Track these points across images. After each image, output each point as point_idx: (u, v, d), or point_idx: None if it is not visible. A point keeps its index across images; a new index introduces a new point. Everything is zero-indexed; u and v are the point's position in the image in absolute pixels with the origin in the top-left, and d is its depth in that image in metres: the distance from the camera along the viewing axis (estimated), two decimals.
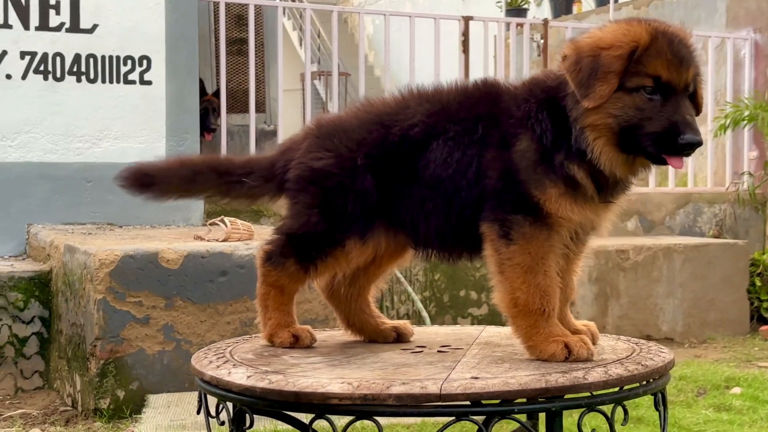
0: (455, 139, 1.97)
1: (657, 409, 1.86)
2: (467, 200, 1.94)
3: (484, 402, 1.57)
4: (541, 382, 1.61)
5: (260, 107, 7.22)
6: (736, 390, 5.31)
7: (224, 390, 1.72)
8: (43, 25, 6.00)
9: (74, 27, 6.07)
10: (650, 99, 1.87)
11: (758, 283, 7.39)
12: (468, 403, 1.57)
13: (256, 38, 6.92)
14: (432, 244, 2.07)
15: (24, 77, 5.96)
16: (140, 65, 6.19)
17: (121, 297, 4.80)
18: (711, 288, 7.05)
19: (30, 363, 5.29)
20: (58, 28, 6.03)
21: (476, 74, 8.06)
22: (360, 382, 1.61)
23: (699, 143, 1.86)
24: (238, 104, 6.78)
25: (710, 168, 8.10)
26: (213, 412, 1.85)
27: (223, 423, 1.78)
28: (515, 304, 1.88)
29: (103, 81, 6.13)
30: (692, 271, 6.98)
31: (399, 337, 2.15)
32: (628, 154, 1.90)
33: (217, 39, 6.84)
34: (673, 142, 1.85)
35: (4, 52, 5.91)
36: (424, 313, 5.36)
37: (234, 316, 4.99)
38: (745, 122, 7.39)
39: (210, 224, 5.36)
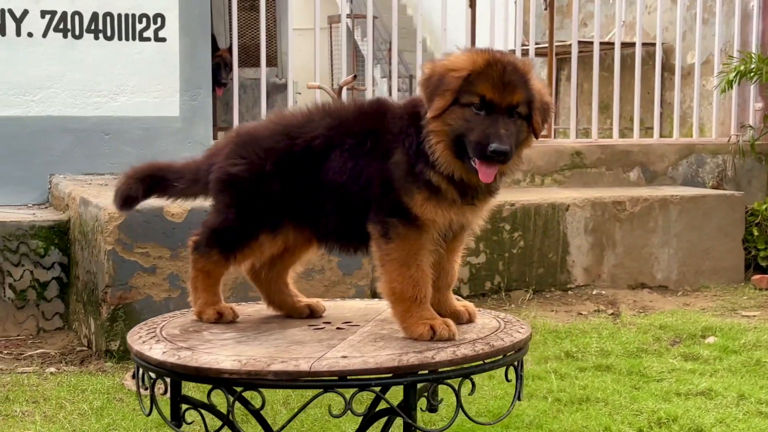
0: (350, 150, 2.29)
1: (507, 380, 2.19)
2: (359, 203, 2.26)
3: (348, 378, 1.92)
4: (395, 361, 1.94)
5: (272, 61, 7.51)
6: (711, 339, 5.58)
7: (145, 362, 2.08)
8: None
9: None
10: (476, 114, 2.18)
11: (756, 233, 7.60)
12: (336, 378, 1.92)
13: None
14: (332, 239, 2.41)
15: (45, 35, 6.32)
16: (155, 23, 6.51)
17: (129, 248, 5.19)
18: (707, 238, 7.28)
19: (51, 306, 5.72)
20: None
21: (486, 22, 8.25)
22: (248, 359, 1.95)
23: (504, 152, 2.15)
24: (251, 58, 7.07)
25: (716, 119, 8.27)
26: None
27: (147, 388, 2.15)
28: (393, 293, 2.21)
29: (120, 38, 6.46)
30: (688, 222, 7.21)
31: (312, 313, 2.50)
32: (462, 160, 2.21)
33: None
34: (483, 150, 2.16)
35: (26, 12, 6.26)
36: None
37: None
38: (751, 75, 7.54)
39: None
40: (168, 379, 2.08)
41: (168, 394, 2.13)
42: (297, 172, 2.33)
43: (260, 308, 2.55)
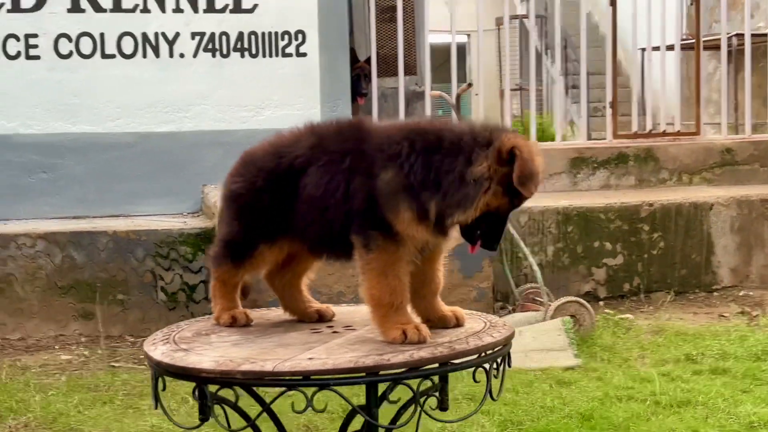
0: (325, 166, 2.46)
1: (475, 381, 2.31)
2: (336, 216, 2.43)
3: (312, 378, 2.10)
4: (351, 363, 2.10)
5: (411, 70, 7.73)
6: None
7: (150, 360, 2.34)
8: (210, 8, 6.79)
9: (237, 8, 6.83)
10: (514, 206, 2.40)
11: None
12: (301, 378, 2.10)
13: (406, 5, 7.42)
14: (317, 248, 2.58)
15: (195, 55, 6.79)
16: (296, 39, 6.87)
17: None
18: None
19: (199, 307, 6.15)
20: (222, 10, 6.81)
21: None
22: (226, 360, 2.16)
23: None
24: (391, 68, 7.33)
25: None
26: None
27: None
28: (372, 299, 2.37)
29: (264, 55, 6.86)
30: None
31: (320, 318, 2.69)
32: None
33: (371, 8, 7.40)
34: (493, 244, 2.42)
35: (177, 34, 6.76)
36: (535, 267, 5.75)
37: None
38: None
39: None
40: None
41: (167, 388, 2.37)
42: (282, 188, 2.54)
43: (281, 313, 2.77)
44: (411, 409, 2.41)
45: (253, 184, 2.59)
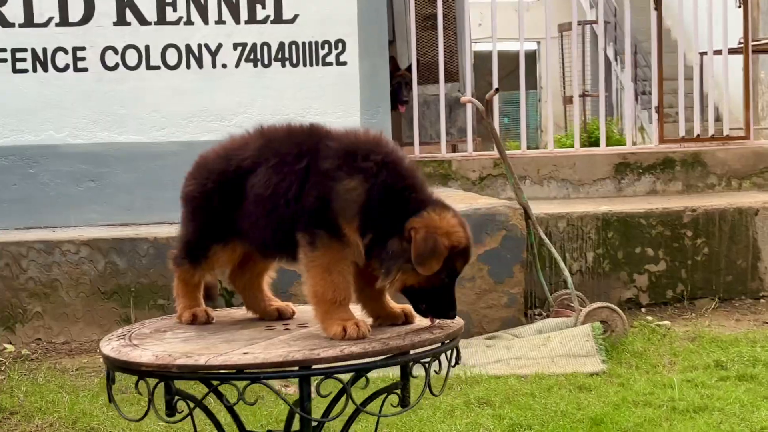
0: (275, 167, 2.50)
1: (413, 376, 2.32)
2: (284, 215, 2.46)
3: (246, 371, 2.14)
4: (280, 357, 2.14)
5: (454, 76, 7.73)
6: None
7: (102, 356, 2.42)
8: (252, 19, 6.91)
9: (278, 18, 6.93)
10: (443, 280, 2.42)
11: None
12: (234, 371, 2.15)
13: (447, 12, 7.44)
14: (263, 247, 2.62)
15: (237, 66, 6.91)
16: (336, 48, 6.94)
17: None
18: None
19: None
20: (264, 21, 6.92)
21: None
22: (165, 355, 2.22)
23: (456, 317, 2.49)
24: (434, 75, 7.34)
25: None
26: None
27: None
28: (315, 295, 2.41)
29: (304, 65, 6.94)
30: None
31: (280, 316, 2.74)
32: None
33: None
34: (445, 314, 2.45)
35: (220, 45, 6.89)
36: (566, 273, 5.70)
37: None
38: None
39: None
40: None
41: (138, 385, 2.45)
42: (231, 189, 2.59)
43: (246, 312, 2.82)
44: (367, 405, 2.43)
45: (204, 186, 2.66)
